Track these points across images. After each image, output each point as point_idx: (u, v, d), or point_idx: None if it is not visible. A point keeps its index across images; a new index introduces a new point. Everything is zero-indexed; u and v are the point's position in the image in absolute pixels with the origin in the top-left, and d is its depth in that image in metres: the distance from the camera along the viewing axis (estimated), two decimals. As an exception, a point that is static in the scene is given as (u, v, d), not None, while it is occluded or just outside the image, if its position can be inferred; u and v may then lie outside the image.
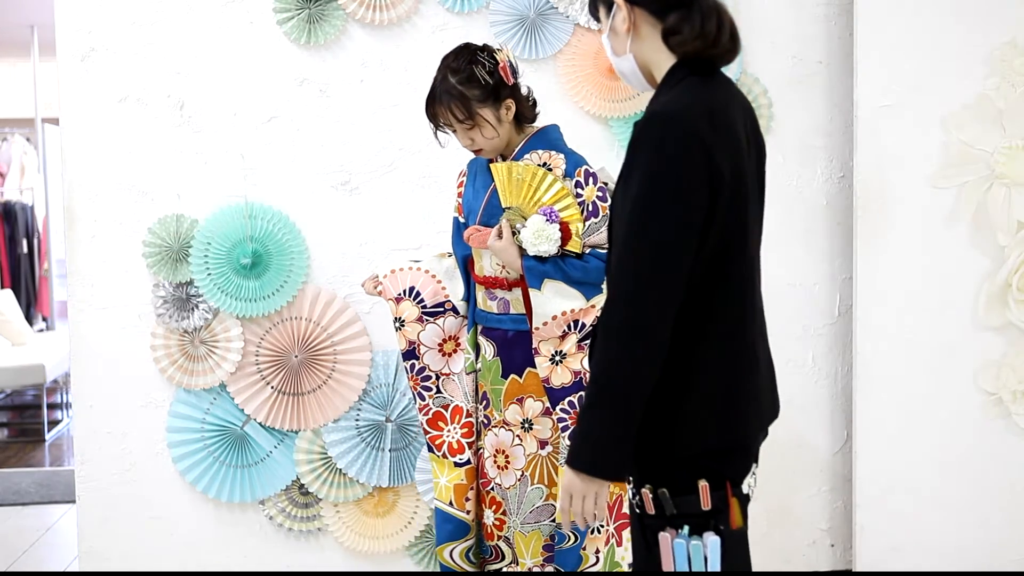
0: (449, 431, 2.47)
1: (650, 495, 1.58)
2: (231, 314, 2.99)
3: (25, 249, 7.71)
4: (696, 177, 1.48)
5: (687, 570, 1.56)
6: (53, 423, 5.58)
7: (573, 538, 2.36)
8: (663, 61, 1.60)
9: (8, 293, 6.31)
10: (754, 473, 1.65)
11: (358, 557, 3.11)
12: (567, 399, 2.30)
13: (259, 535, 3.10)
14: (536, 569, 2.41)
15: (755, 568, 3.33)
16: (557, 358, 2.30)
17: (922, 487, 3.06)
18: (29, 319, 7.47)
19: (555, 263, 2.27)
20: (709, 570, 1.55)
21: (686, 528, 1.56)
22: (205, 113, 3.01)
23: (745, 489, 1.62)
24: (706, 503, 1.56)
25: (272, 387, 3.02)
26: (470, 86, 2.28)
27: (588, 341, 2.25)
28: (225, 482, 3.04)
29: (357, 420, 3.05)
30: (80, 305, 3.02)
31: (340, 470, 3.04)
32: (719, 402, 1.57)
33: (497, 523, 2.43)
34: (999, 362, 3.03)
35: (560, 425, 2.32)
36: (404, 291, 2.49)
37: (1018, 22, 2.98)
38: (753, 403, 1.62)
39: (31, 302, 7.76)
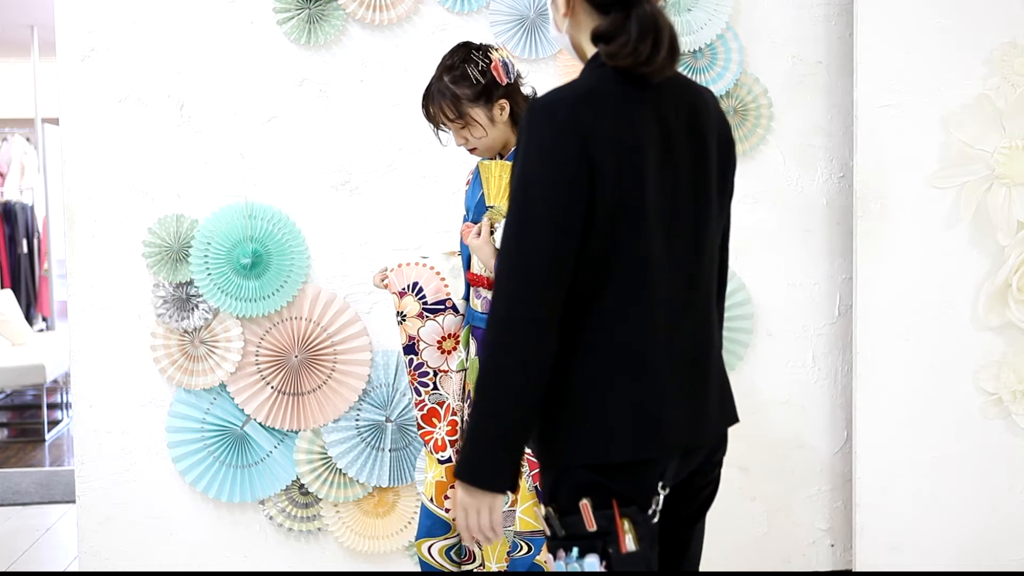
0: (439, 428, 2.48)
1: (543, 515, 1.50)
2: (231, 314, 2.99)
3: (25, 249, 7.71)
4: (567, 163, 1.42)
5: None
6: (53, 423, 5.59)
7: (526, 548, 2.35)
8: (593, 49, 1.55)
9: (8, 293, 6.31)
10: (659, 493, 1.51)
11: (358, 557, 3.11)
12: None
13: (259, 535, 3.10)
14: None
15: (755, 568, 3.35)
16: None
17: (922, 487, 3.06)
18: (29, 319, 7.48)
19: None
20: None
21: (575, 550, 1.46)
22: (205, 113, 3.01)
23: (656, 508, 1.50)
24: (590, 524, 1.45)
25: (272, 387, 3.02)
26: (461, 85, 2.28)
27: None
28: (225, 482, 3.04)
29: (357, 420, 3.05)
30: (80, 305, 3.02)
31: (340, 470, 3.04)
32: (601, 415, 1.47)
33: None
34: (999, 362, 3.03)
35: None
36: (408, 286, 2.49)
37: (1018, 22, 2.98)
38: (652, 418, 1.48)
39: (31, 302, 7.77)
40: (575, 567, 1.45)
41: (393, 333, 3.01)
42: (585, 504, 1.46)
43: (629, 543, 1.46)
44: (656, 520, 1.51)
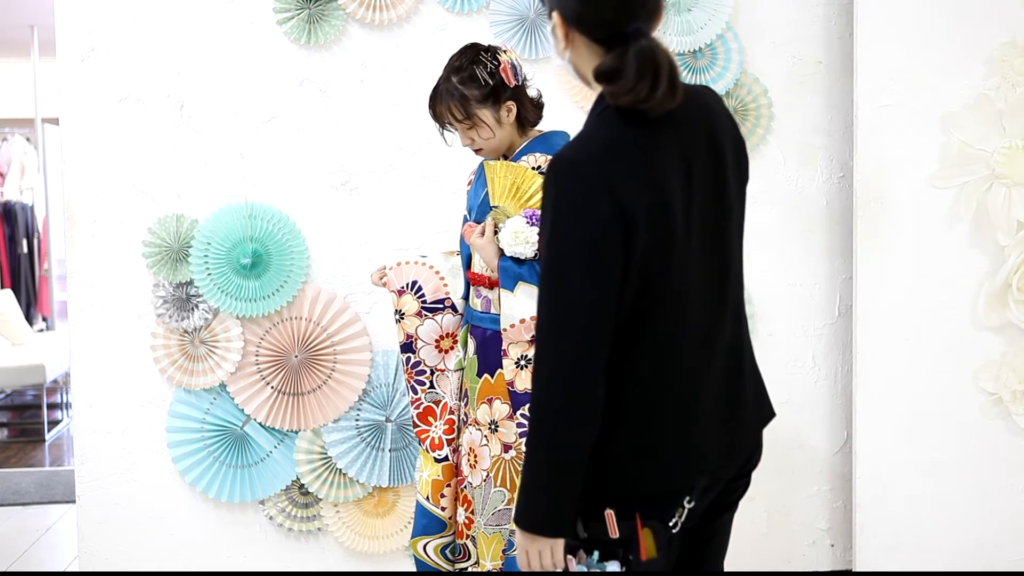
0: (436, 427, 2.49)
1: None
2: (231, 314, 2.99)
3: (25, 249, 7.71)
4: (603, 222, 1.42)
5: None
6: (53, 423, 5.59)
7: None
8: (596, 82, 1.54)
9: (8, 293, 6.31)
10: (684, 507, 1.57)
11: (358, 557, 3.11)
12: (528, 405, 2.29)
13: (259, 535, 3.10)
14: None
15: (755, 568, 3.35)
16: (523, 362, 2.28)
17: (922, 487, 3.06)
18: (29, 319, 7.48)
19: (532, 267, 2.25)
20: None
21: (596, 554, 1.52)
22: (205, 113, 3.01)
23: (678, 519, 1.56)
24: (613, 531, 1.50)
25: (272, 387, 3.02)
26: (470, 86, 2.28)
27: None
28: (225, 482, 3.04)
29: (357, 420, 3.05)
30: (80, 305, 3.02)
31: (340, 470, 3.04)
32: (640, 453, 1.52)
33: (467, 521, 2.43)
34: (999, 362, 3.03)
35: (519, 431, 2.31)
36: (407, 284, 2.49)
37: (1018, 22, 2.98)
38: (679, 451, 1.55)
39: (31, 302, 7.77)
40: (596, 569, 1.51)
41: (393, 333, 3.01)
42: (610, 514, 1.51)
43: (649, 551, 1.51)
44: (676, 531, 1.56)
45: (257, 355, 3.02)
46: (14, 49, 7.60)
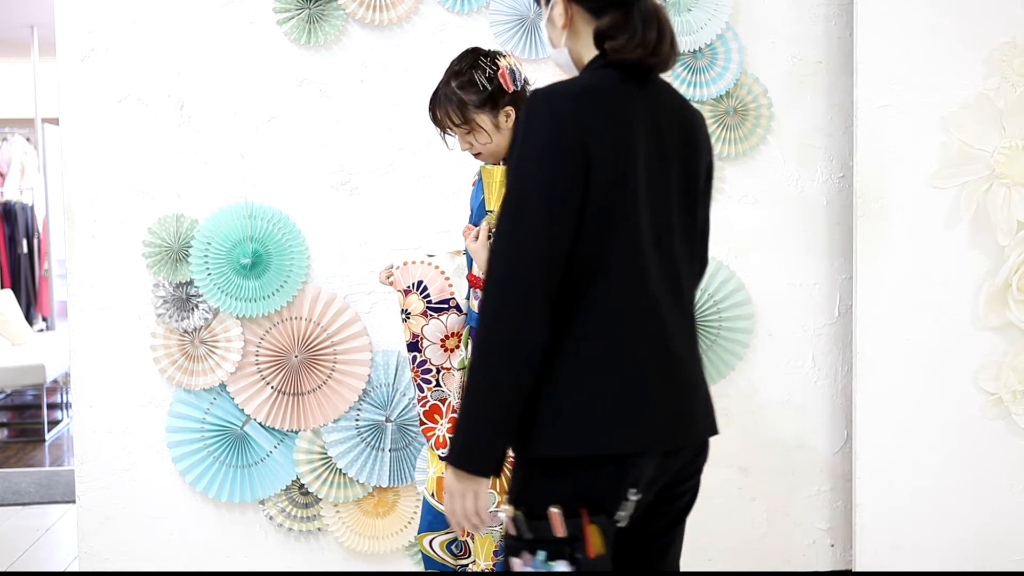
0: (441, 425, 2.49)
1: (510, 516, 1.51)
2: (231, 314, 2.99)
3: (25, 249, 7.71)
4: (565, 147, 1.43)
5: None
6: (53, 423, 5.59)
7: None
8: (592, 55, 1.58)
9: (8, 293, 6.32)
10: (629, 499, 1.50)
11: (358, 557, 3.11)
12: None
13: (259, 535, 3.10)
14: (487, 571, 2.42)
15: (755, 568, 3.35)
16: None
17: (922, 487, 3.06)
18: (29, 319, 7.48)
19: None
20: None
21: (542, 554, 1.48)
22: (205, 113, 3.01)
23: (625, 513, 1.51)
24: (559, 530, 1.46)
25: (272, 387, 3.02)
26: (468, 91, 2.29)
27: None
28: (225, 482, 3.04)
29: (357, 420, 3.05)
30: (80, 305, 3.02)
31: (340, 470, 3.04)
32: (582, 407, 1.47)
33: None
34: (999, 362, 3.03)
35: None
36: (413, 284, 2.49)
37: (1018, 22, 2.98)
38: (635, 413, 1.48)
39: (31, 302, 7.77)
40: (543, 570, 1.47)
41: (393, 333, 3.01)
42: (555, 512, 1.47)
43: (596, 547, 1.47)
44: (623, 524, 1.52)
45: (257, 355, 3.02)
46: (14, 49, 7.60)
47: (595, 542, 1.47)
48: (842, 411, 3.21)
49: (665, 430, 1.53)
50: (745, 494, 3.21)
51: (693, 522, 3.39)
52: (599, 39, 1.53)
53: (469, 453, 1.48)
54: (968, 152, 3.00)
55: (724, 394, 3.17)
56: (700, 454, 1.65)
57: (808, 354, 3.20)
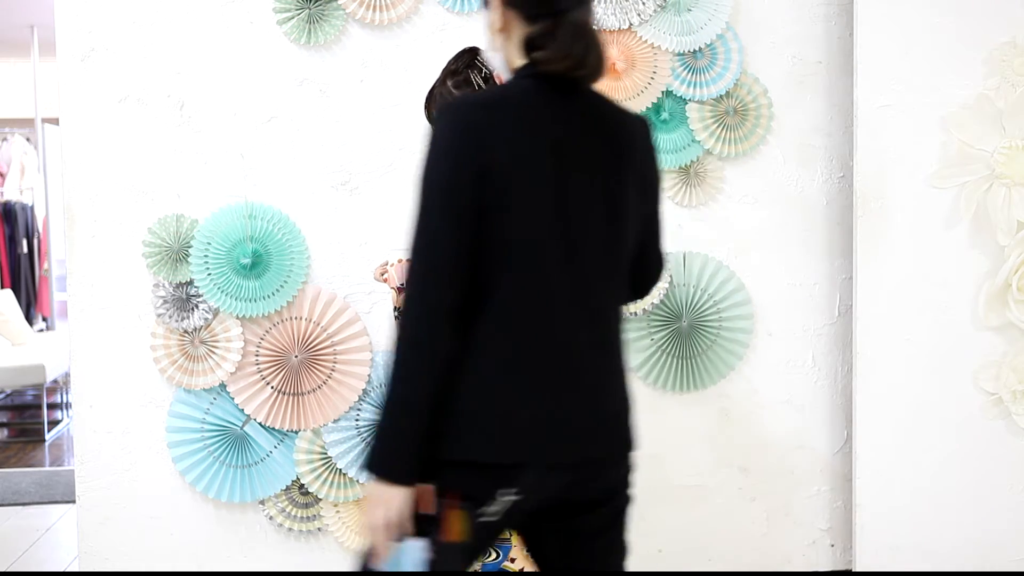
0: None
1: None
2: (231, 314, 2.99)
3: (25, 249, 7.71)
4: (464, 159, 1.47)
5: (386, 570, 1.50)
6: (53, 423, 5.59)
7: (495, 554, 2.34)
8: (522, 61, 1.59)
9: (8, 293, 6.32)
10: (498, 499, 1.51)
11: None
12: None
13: (259, 535, 3.10)
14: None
15: (755, 568, 3.34)
16: None
17: (922, 487, 3.06)
18: (29, 319, 7.48)
19: None
20: (400, 570, 1.48)
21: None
22: (205, 113, 3.01)
23: (497, 508, 1.51)
24: (426, 506, 1.50)
25: (272, 387, 3.02)
26: (463, 90, 2.29)
27: None
28: (225, 482, 3.04)
29: (357, 420, 3.05)
30: (80, 305, 3.02)
31: (340, 470, 3.04)
32: (475, 417, 1.50)
33: None
34: (999, 362, 3.03)
35: None
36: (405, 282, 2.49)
37: (1018, 22, 2.98)
38: (517, 426, 1.50)
39: (31, 302, 7.77)
40: (398, 546, 1.50)
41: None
42: (427, 489, 1.50)
43: (454, 534, 1.49)
44: (491, 520, 1.51)
45: (257, 355, 3.02)
46: (14, 49, 7.60)
47: (455, 529, 1.49)
48: (842, 411, 3.21)
49: (551, 444, 1.52)
50: (745, 494, 3.21)
51: (693, 522, 3.41)
52: (528, 47, 1.54)
53: (383, 460, 1.50)
54: (968, 152, 3.00)
55: (724, 394, 3.18)
56: (615, 467, 1.63)
57: (808, 354, 3.20)
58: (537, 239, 1.50)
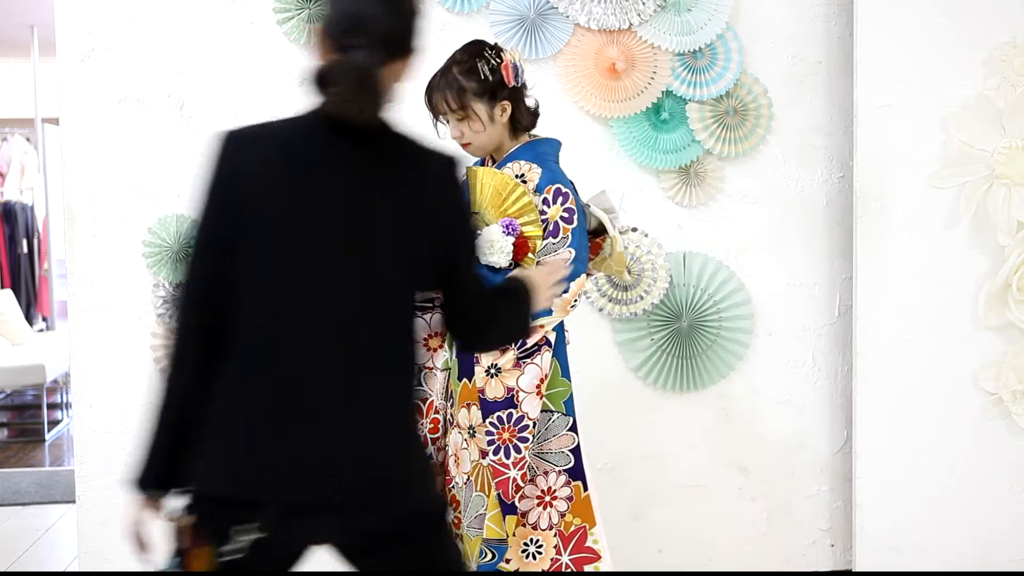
0: (422, 424, 2.47)
1: None
2: (231, 314, 2.98)
3: (25, 249, 7.71)
4: (219, 188, 1.53)
5: None
6: (53, 423, 5.58)
7: (491, 555, 2.34)
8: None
9: (8, 293, 6.32)
10: (241, 539, 1.51)
11: (358, 557, 3.11)
12: (496, 414, 2.26)
13: (259, 535, 3.09)
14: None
15: (755, 568, 3.34)
16: (493, 371, 2.26)
17: (922, 487, 3.06)
18: (29, 319, 7.47)
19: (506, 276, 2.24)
20: None
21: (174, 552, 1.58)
22: (205, 113, 3.01)
23: (235, 547, 1.51)
24: (176, 539, 1.57)
25: (272, 387, 3.02)
26: (469, 78, 2.28)
27: (526, 359, 2.23)
28: (225, 482, 3.03)
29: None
30: (80, 305, 3.02)
31: (340, 470, 3.04)
32: (209, 449, 1.53)
33: (455, 521, 2.42)
34: (999, 362, 3.03)
35: (487, 439, 2.28)
36: None
37: (1018, 22, 2.98)
38: (240, 460, 1.51)
39: (31, 302, 7.77)
40: (164, 567, 1.61)
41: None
42: (177, 522, 1.58)
43: (197, 567, 1.53)
44: (235, 557, 1.51)
45: (257, 355, 3.01)
46: (14, 49, 7.59)
47: (198, 563, 1.53)
48: (842, 411, 3.21)
49: (286, 482, 1.51)
50: (745, 494, 3.21)
51: (693, 522, 3.40)
52: (311, 80, 1.54)
53: (135, 466, 1.58)
54: (968, 152, 3.00)
55: (724, 394, 3.18)
56: (378, 511, 1.58)
57: (808, 354, 3.20)
58: (272, 276, 1.52)
